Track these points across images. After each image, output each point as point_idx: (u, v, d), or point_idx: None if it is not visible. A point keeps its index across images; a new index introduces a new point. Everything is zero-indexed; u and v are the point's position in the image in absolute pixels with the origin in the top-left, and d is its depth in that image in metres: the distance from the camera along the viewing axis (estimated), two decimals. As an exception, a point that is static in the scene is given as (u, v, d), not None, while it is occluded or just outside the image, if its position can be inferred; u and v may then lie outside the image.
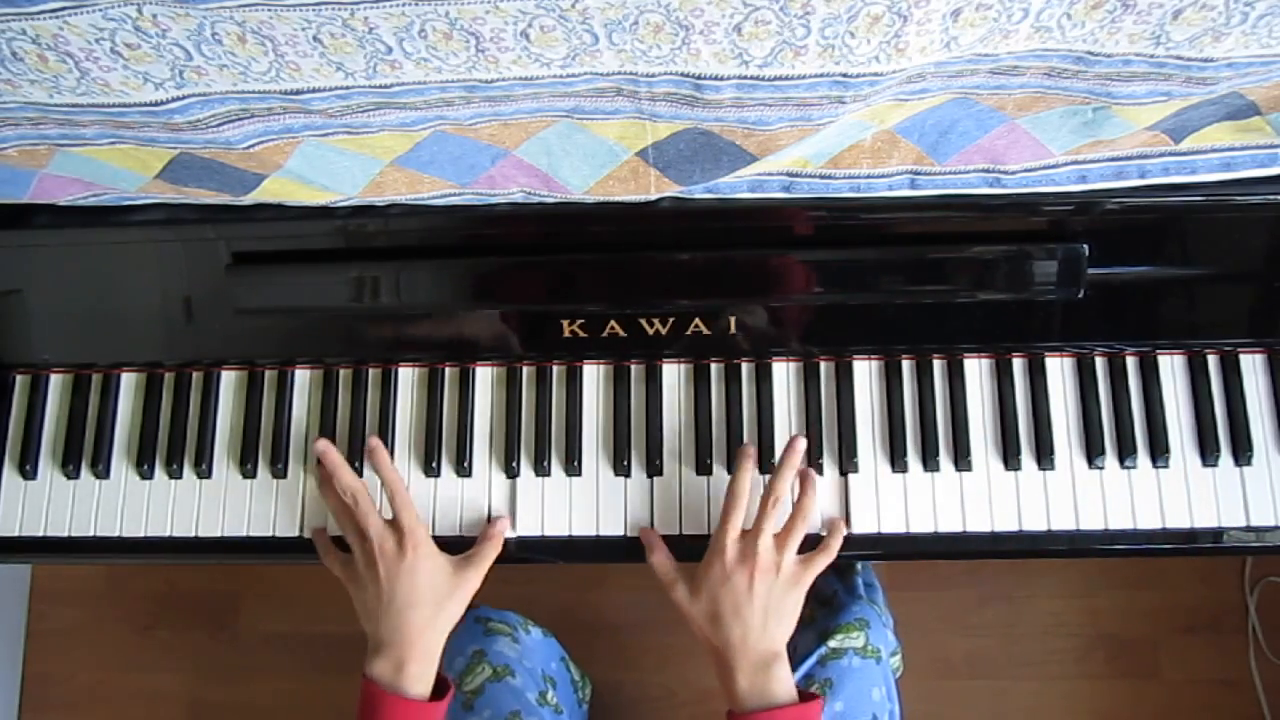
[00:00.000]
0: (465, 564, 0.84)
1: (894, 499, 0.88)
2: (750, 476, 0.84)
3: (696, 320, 0.88)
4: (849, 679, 0.92)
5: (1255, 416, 0.89)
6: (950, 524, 0.88)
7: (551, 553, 0.90)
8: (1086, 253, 0.84)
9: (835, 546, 0.84)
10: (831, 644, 0.95)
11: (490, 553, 0.86)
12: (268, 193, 0.80)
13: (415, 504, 0.86)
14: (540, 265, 0.87)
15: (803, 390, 0.91)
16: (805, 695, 0.77)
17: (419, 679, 0.79)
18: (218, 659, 1.63)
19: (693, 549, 0.89)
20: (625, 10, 0.59)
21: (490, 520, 0.89)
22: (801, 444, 0.85)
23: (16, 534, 0.93)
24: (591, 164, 0.78)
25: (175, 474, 0.93)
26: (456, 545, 0.88)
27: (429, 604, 0.81)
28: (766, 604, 0.79)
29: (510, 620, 1.02)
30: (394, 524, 0.83)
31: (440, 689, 0.81)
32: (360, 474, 0.90)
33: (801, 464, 0.85)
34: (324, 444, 0.86)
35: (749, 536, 0.81)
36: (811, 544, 0.85)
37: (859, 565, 1.11)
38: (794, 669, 0.94)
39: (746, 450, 0.85)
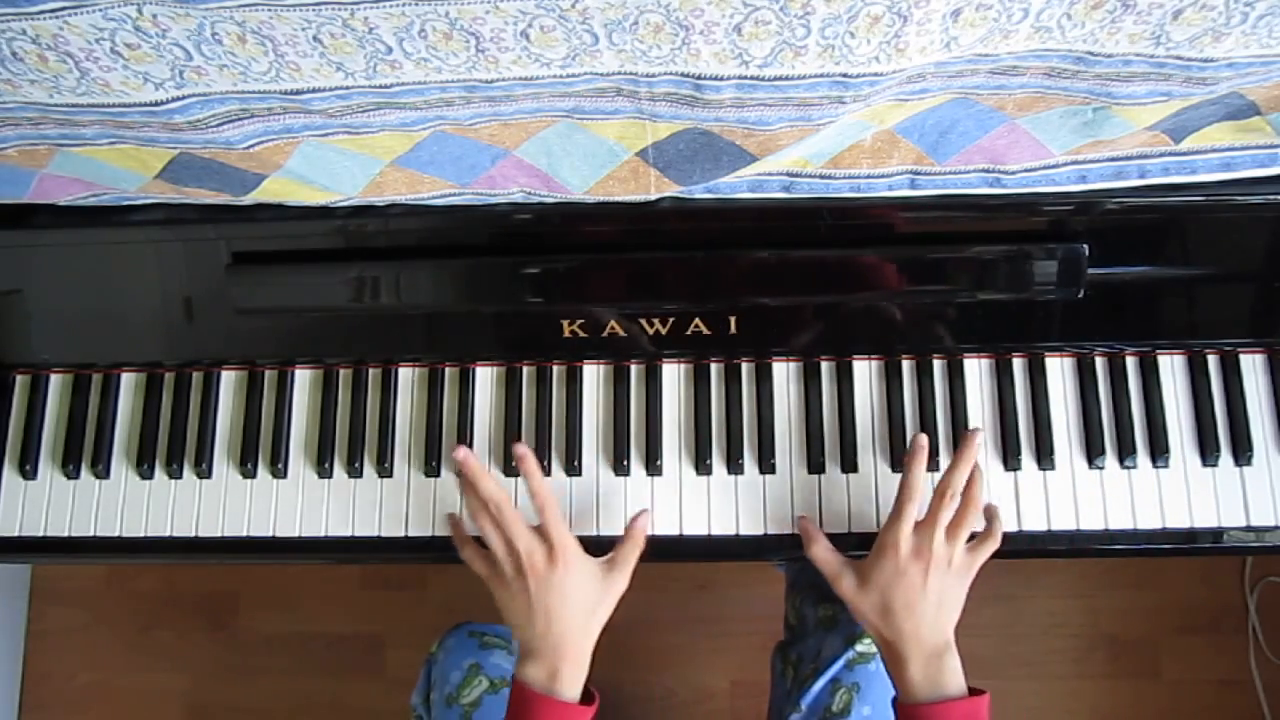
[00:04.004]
0: (611, 567, 0.83)
1: (894, 498, 0.88)
2: (925, 470, 0.83)
3: (696, 320, 0.88)
4: (876, 683, 0.92)
5: (1255, 416, 0.89)
6: (950, 524, 0.88)
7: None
8: (1086, 253, 0.84)
9: (999, 533, 0.84)
10: (859, 648, 0.94)
11: (633, 552, 0.84)
12: (268, 193, 0.80)
13: (414, 504, 0.85)
14: (540, 265, 0.87)
15: (803, 390, 0.91)
16: (973, 690, 0.78)
17: (572, 683, 0.79)
18: (217, 659, 1.63)
19: (693, 547, 0.89)
20: (625, 10, 0.59)
21: (632, 519, 0.87)
22: (979, 435, 0.84)
23: (16, 534, 0.92)
24: (591, 164, 0.78)
25: (175, 474, 0.93)
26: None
27: (580, 614, 0.80)
28: (940, 596, 0.79)
29: (503, 633, 1.01)
30: (542, 533, 0.81)
31: (586, 697, 0.80)
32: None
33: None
34: (464, 453, 0.84)
35: (922, 530, 0.80)
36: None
37: None
38: (820, 673, 0.94)
39: (920, 443, 0.84)
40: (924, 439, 0.84)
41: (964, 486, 0.83)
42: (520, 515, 0.82)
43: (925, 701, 0.77)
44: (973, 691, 0.77)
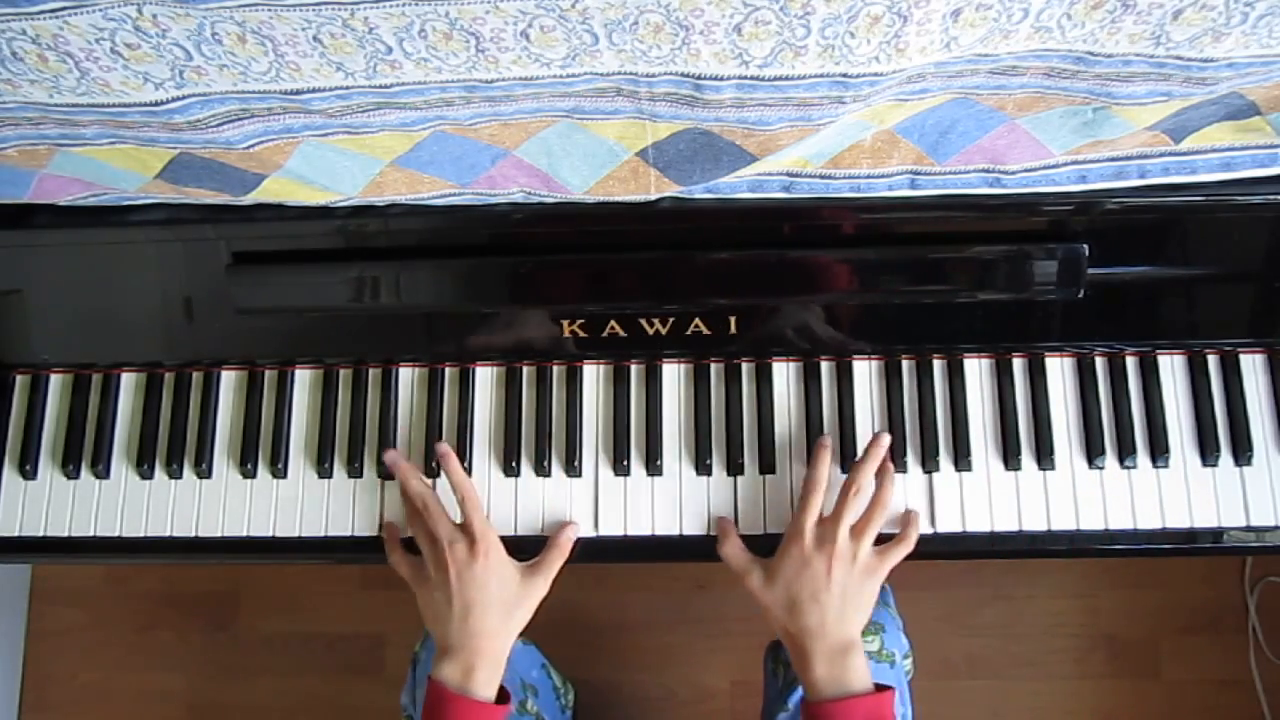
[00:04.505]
0: (533, 571, 0.85)
1: (894, 499, 0.88)
2: (828, 465, 0.85)
3: (696, 320, 0.88)
4: None
5: (1255, 416, 0.89)
6: (950, 524, 0.88)
7: (551, 553, 0.90)
8: (1086, 253, 0.84)
9: (913, 538, 0.85)
10: None
11: (557, 559, 0.86)
12: (268, 193, 0.80)
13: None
14: (540, 265, 0.87)
15: (803, 390, 0.91)
16: (879, 686, 0.78)
17: (487, 684, 0.79)
18: (218, 659, 1.63)
19: (695, 548, 0.89)
20: (625, 10, 0.59)
21: (560, 526, 0.88)
22: (886, 438, 0.87)
23: (16, 534, 0.92)
24: (591, 164, 0.78)
25: (175, 474, 0.93)
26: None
27: (498, 610, 0.81)
28: (844, 591, 0.79)
29: None
30: (465, 528, 0.84)
31: (500, 697, 0.81)
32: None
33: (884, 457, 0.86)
34: (393, 455, 0.88)
35: (827, 523, 0.82)
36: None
37: None
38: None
39: (824, 442, 0.87)
40: (828, 439, 0.88)
41: (876, 490, 0.84)
42: (445, 511, 0.85)
43: (829, 698, 0.76)
44: (880, 688, 0.77)
